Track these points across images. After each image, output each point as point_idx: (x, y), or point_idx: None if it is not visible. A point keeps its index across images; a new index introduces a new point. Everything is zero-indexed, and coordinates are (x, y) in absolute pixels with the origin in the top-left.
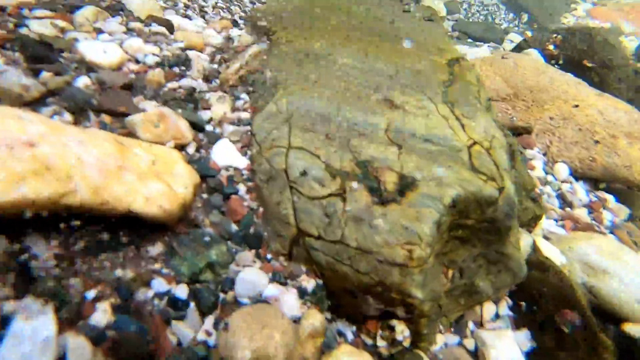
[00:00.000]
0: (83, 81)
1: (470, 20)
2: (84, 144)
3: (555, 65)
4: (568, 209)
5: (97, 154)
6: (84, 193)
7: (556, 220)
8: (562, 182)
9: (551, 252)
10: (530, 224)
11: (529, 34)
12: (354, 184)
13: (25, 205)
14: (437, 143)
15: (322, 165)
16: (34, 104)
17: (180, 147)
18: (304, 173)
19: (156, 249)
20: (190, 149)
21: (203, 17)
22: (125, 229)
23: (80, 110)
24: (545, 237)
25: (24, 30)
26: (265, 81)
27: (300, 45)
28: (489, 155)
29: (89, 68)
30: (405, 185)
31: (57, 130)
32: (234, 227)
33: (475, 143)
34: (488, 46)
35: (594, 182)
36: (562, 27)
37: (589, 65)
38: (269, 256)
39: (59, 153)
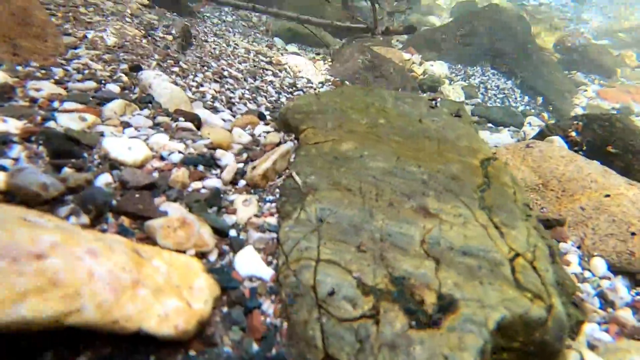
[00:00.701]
0: (105, 179)
1: (488, 104)
2: (98, 255)
3: (580, 152)
4: (610, 309)
5: (111, 267)
6: (90, 312)
7: (599, 324)
8: (601, 278)
9: None
10: (573, 331)
11: (545, 115)
12: (388, 305)
13: (22, 327)
14: (477, 256)
15: (354, 282)
16: (52, 202)
17: (201, 255)
18: (332, 292)
19: None
20: (212, 257)
21: (230, 108)
22: (130, 342)
23: (98, 212)
24: (591, 346)
25: (50, 124)
26: (293, 185)
27: (329, 146)
28: (534, 269)
29: (112, 165)
30: (445, 306)
31: (70, 239)
32: (255, 347)
33: (517, 255)
34: (508, 130)
35: (632, 277)
36: (583, 114)
37: (613, 151)
38: None
39: (69, 266)
